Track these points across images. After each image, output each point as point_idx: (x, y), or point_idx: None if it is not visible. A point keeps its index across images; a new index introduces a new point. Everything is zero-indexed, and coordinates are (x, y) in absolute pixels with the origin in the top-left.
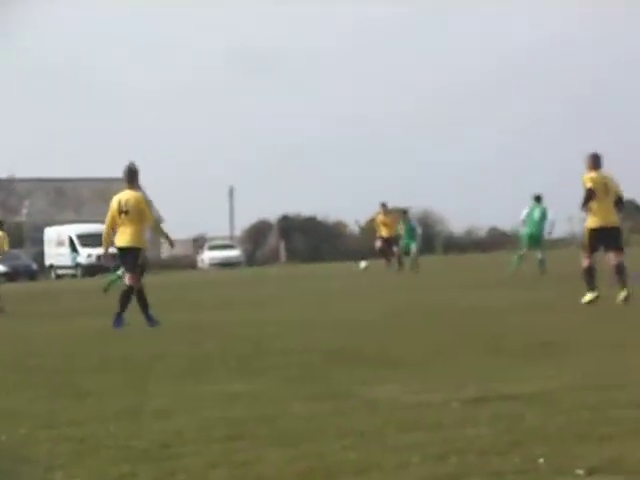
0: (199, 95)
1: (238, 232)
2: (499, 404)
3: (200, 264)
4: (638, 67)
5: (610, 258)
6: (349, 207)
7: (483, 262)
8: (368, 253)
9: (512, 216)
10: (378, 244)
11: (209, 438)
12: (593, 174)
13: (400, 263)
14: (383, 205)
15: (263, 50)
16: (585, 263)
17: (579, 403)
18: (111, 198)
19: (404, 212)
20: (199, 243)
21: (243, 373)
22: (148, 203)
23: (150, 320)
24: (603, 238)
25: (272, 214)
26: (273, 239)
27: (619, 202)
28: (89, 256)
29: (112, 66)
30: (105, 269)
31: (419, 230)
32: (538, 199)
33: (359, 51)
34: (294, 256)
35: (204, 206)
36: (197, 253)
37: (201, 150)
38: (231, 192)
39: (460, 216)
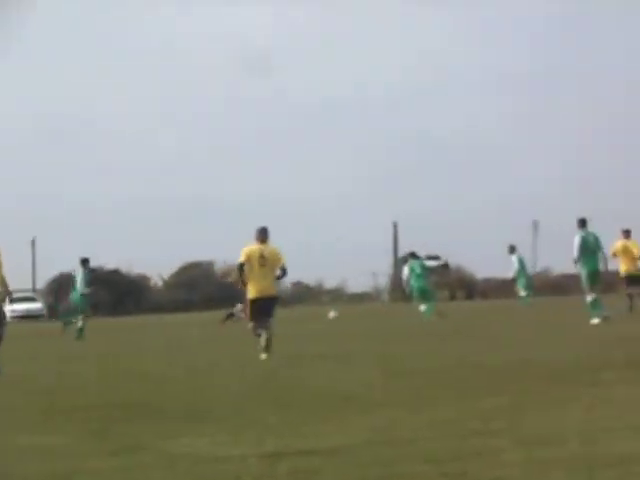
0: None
1: (40, 284)
2: (297, 459)
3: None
4: None
5: None
6: (152, 260)
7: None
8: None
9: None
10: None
11: None
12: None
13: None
14: None
15: None
16: None
17: (374, 458)
18: None
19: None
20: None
21: (42, 426)
22: None
23: None
24: None
25: (75, 266)
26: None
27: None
28: None
29: None
30: None
31: None
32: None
33: None
34: (97, 309)
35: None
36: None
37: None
38: (33, 242)
39: None
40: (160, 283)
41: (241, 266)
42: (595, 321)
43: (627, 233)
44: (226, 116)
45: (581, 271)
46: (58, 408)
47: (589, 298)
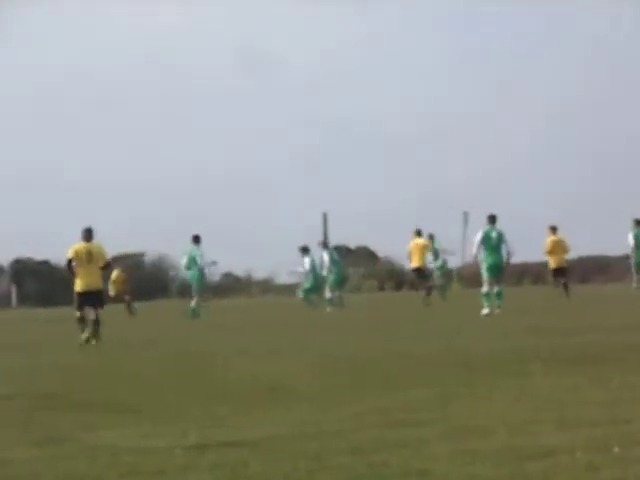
0: None
1: None
2: (223, 451)
3: None
4: None
5: None
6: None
7: (221, 307)
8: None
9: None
10: None
11: None
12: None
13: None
14: None
15: None
16: None
17: (300, 450)
18: None
19: None
20: None
21: None
22: None
23: None
24: None
25: (4, 257)
26: (4, 282)
27: None
28: None
29: None
30: None
31: None
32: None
33: None
34: (26, 300)
35: None
36: None
37: None
38: None
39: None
40: None
41: (69, 262)
42: (485, 311)
43: (554, 230)
44: None
45: (481, 264)
46: None
47: (484, 289)
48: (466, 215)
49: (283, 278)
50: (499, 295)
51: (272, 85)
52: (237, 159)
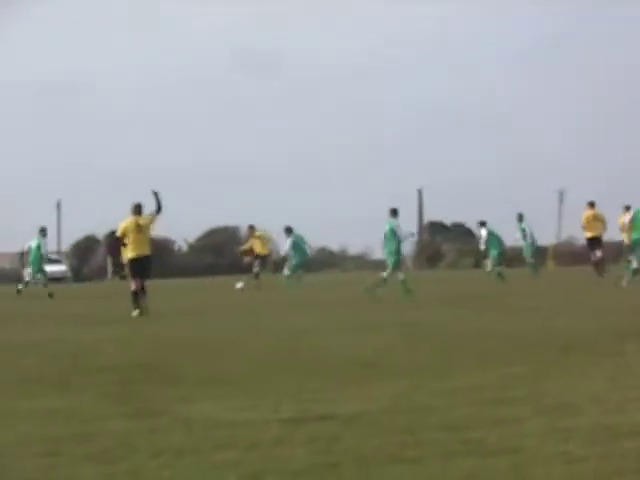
0: None
1: (65, 246)
2: (317, 425)
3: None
4: None
5: None
6: (176, 224)
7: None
8: (196, 270)
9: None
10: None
11: (25, 454)
12: None
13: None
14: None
15: None
16: None
17: (393, 425)
18: None
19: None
20: (26, 257)
21: (61, 389)
22: None
23: None
24: None
25: (100, 229)
26: (100, 255)
27: None
28: None
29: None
30: None
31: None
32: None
33: None
34: (120, 272)
35: (30, 219)
36: (23, 267)
37: (26, 162)
38: (58, 205)
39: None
40: (185, 247)
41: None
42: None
43: (591, 205)
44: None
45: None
46: (79, 371)
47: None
48: (562, 194)
49: (378, 254)
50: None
51: None
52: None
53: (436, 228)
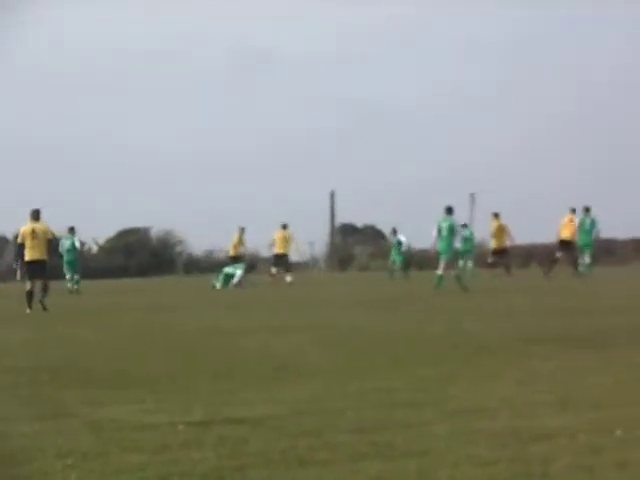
0: None
1: None
2: (225, 427)
3: None
4: None
5: None
6: (88, 227)
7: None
8: (106, 271)
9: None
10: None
11: None
12: None
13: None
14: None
15: None
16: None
17: (301, 428)
18: None
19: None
20: None
21: None
22: None
23: None
24: None
25: (9, 230)
26: (9, 255)
27: None
28: None
29: None
30: None
31: None
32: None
33: None
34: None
35: None
36: None
37: None
38: None
39: (200, 237)
40: (95, 248)
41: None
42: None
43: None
44: None
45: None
46: None
47: None
48: (473, 196)
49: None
50: None
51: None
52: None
53: (348, 230)
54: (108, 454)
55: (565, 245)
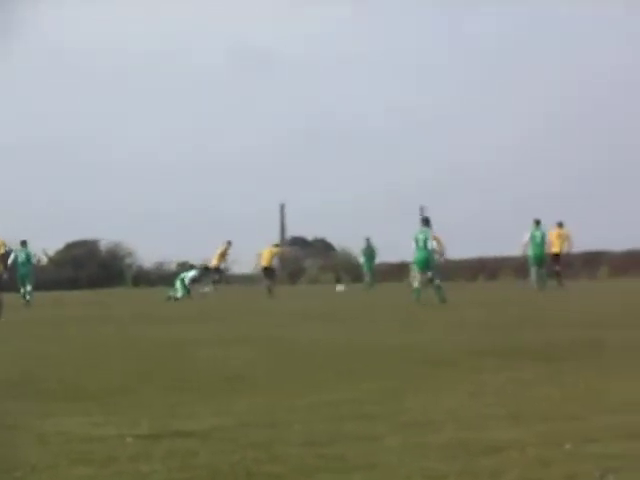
0: None
1: None
2: (174, 440)
3: None
4: None
5: None
6: (37, 235)
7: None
8: (56, 283)
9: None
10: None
11: None
12: None
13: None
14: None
15: None
16: None
17: (251, 440)
18: None
19: None
20: None
21: None
22: None
23: None
24: None
25: None
26: None
27: None
28: None
29: None
30: None
31: None
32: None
33: None
34: None
35: None
36: None
37: None
38: None
39: (150, 250)
40: (45, 260)
41: None
42: None
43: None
44: None
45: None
46: None
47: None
48: (422, 209)
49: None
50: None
51: None
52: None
53: (298, 243)
54: (57, 467)
55: (554, 258)
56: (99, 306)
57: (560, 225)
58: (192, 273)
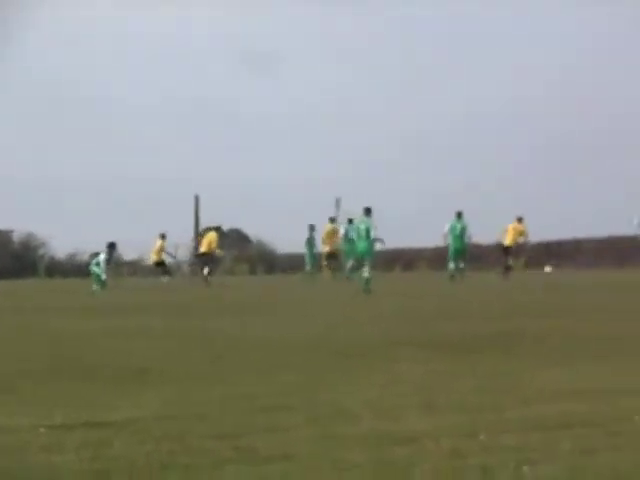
0: None
1: None
2: (87, 431)
3: None
4: None
5: None
6: None
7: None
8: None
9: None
10: None
11: None
12: None
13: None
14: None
15: None
16: None
17: (164, 432)
18: None
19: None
20: None
21: None
22: None
23: None
24: None
25: None
26: None
27: None
28: None
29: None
30: None
31: None
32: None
33: None
34: None
35: None
36: None
37: None
38: None
39: (63, 240)
40: None
41: None
42: None
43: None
44: None
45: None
46: None
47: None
48: (338, 201)
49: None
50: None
51: None
52: None
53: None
54: None
55: (505, 250)
56: (11, 297)
57: (520, 220)
58: (102, 256)
